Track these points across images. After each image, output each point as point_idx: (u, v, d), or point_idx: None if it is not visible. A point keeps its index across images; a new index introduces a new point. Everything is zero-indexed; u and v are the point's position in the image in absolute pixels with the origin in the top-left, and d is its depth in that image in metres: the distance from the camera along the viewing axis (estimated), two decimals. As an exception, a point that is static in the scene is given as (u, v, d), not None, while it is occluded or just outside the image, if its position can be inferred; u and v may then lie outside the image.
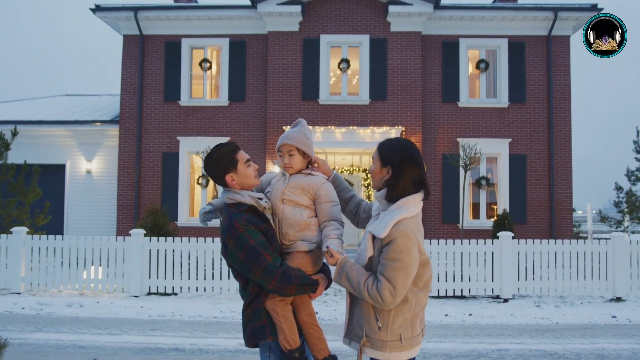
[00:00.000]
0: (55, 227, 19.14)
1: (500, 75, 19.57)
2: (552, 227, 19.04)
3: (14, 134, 13.67)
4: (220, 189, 3.36)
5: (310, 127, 18.89)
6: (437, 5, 18.97)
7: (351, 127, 18.82)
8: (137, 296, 11.70)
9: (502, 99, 19.47)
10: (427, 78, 19.51)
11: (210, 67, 20.11)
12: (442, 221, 19.10)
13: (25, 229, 11.93)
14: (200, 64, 19.97)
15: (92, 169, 20.50)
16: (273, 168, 18.72)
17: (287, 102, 19.20)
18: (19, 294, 11.70)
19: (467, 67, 19.64)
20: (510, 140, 19.35)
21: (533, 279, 11.79)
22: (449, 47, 19.62)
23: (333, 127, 18.87)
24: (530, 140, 19.47)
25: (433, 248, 11.74)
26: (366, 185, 19.84)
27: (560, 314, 10.12)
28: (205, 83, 20.28)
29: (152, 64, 20.07)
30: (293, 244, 3.21)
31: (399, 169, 2.93)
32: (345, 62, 19.35)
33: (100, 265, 11.85)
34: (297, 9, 18.99)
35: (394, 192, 2.94)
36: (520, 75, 19.56)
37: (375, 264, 2.90)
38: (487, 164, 19.64)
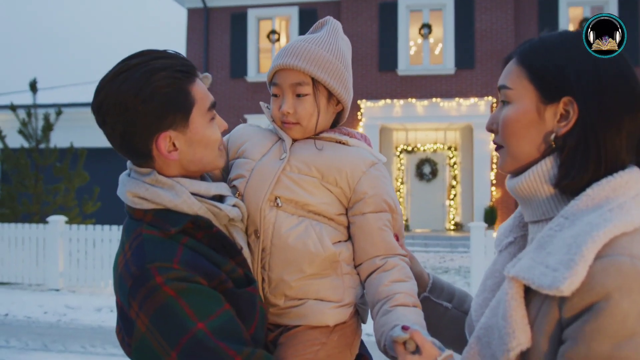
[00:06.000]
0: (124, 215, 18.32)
1: (608, 35, 16.98)
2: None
3: (58, 114, 12.78)
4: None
5: (389, 101, 17.44)
6: (533, -43, 16.68)
7: (434, 100, 16.92)
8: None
9: (612, 63, 16.89)
10: (520, 42, 17.13)
11: (278, 39, 18.72)
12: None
13: (63, 218, 10.78)
14: (268, 36, 18.64)
15: (159, 152, 19.55)
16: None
17: (362, 74, 17.42)
18: (57, 290, 10.58)
19: (567, 28, 17.10)
20: (621, 109, 16.82)
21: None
22: (546, 6, 17.37)
23: (414, 100, 17.04)
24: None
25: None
26: (452, 164, 17.81)
27: None
28: (273, 56, 18.81)
29: (217, 38, 18.86)
30: (297, 307, 1.51)
31: (601, 104, 1.17)
32: (426, 28, 17.52)
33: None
34: (372, -31, 17.23)
35: (586, 166, 1.17)
36: (634, 34, 16.85)
37: None
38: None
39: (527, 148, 1.25)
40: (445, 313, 1.63)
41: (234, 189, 1.56)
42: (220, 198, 1.49)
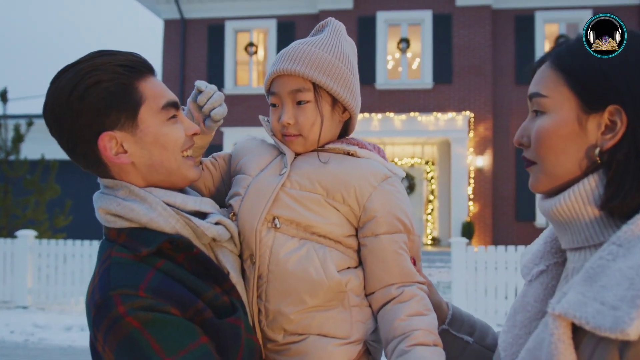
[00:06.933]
0: (96, 229, 18.03)
1: (583, 52, 17.16)
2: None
3: (29, 124, 12.57)
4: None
5: (367, 115, 17.33)
6: (510, -27, 16.83)
7: (412, 114, 16.90)
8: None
9: (586, 79, 17.03)
10: (498, 58, 17.37)
11: (256, 52, 18.60)
12: (516, 219, 16.94)
13: (33, 233, 10.47)
14: (245, 49, 18.53)
15: (135, 165, 19.31)
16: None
17: (340, 88, 17.32)
18: (25, 308, 10.23)
19: (543, 44, 17.46)
20: (596, 126, 16.95)
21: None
22: (523, 22, 17.48)
23: (392, 114, 17.00)
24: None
25: (511, 256, 9.45)
26: (429, 179, 17.77)
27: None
28: (251, 69, 18.80)
29: (194, 49, 18.68)
30: (297, 343, 1.32)
31: None
32: (405, 42, 17.49)
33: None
34: (351, -17, 17.23)
35: (639, 185, 1.01)
36: (608, 51, 17.06)
37: None
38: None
39: (566, 164, 1.09)
40: (466, 348, 1.46)
41: (230, 208, 1.39)
42: (205, 217, 1.32)
